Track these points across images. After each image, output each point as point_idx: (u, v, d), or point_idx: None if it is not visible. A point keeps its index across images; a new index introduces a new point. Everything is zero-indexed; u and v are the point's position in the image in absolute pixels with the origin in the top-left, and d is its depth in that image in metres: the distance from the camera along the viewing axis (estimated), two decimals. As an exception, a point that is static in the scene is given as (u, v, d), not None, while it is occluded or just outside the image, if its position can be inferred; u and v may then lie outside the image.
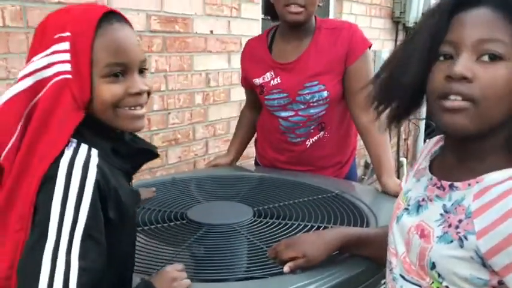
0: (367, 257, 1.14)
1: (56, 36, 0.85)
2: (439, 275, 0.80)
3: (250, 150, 3.33)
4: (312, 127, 1.85)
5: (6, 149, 0.82)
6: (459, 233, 0.76)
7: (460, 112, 0.76)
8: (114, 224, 0.85)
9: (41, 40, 0.87)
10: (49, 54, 0.84)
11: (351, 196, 1.61)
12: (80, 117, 0.84)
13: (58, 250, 0.74)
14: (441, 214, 0.82)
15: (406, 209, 0.92)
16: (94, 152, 0.85)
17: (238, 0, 2.99)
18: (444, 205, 0.82)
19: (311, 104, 1.80)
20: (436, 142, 0.98)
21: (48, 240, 0.75)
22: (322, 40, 1.79)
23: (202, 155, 2.87)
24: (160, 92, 2.53)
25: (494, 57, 0.75)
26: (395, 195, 1.05)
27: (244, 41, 3.08)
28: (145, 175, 2.47)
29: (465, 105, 0.75)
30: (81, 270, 0.75)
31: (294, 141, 1.89)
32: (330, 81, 1.78)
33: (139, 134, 2.44)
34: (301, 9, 1.69)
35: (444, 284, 0.79)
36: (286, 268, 1.09)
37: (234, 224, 1.39)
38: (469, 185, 0.79)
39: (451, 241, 0.77)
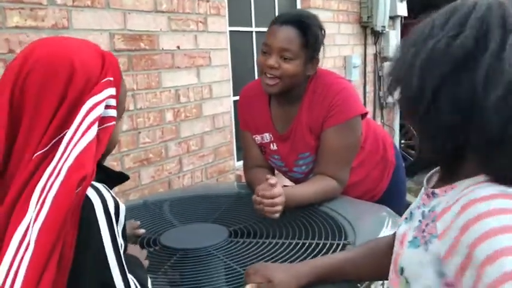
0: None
1: (105, 80, 0.87)
2: (407, 281, 0.78)
3: (227, 164, 3.29)
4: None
5: None
6: (425, 237, 0.76)
7: None
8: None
9: (84, 82, 0.85)
10: (105, 99, 0.86)
11: (329, 209, 1.57)
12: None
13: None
14: (419, 220, 0.81)
15: (406, 218, 0.90)
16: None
17: (204, 14, 2.96)
18: (423, 211, 0.82)
19: (307, 172, 1.75)
20: None
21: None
22: (309, 106, 1.67)
23: (177, 173, 2.81)
24: (128, 111, 2.47)
25: None
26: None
27: (213, 55, 3.07)
28: (118, 197, 2.40)
29: None
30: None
31: (296, 176, 1.83)
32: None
33: (111, 156, 2.35)
34: (276, 81, 1.59)
35: None
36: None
37: (209, 247, 1.34)
38: (445, 191, 0.78)
39: (418, 246, 0.77)
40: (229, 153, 3.26)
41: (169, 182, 2.75)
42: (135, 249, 1.15)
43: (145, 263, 1.13)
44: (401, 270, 0.80)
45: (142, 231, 1.41)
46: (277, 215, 1.43)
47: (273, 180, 1.44)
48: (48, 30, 2.09)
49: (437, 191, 0.81)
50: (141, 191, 2.54)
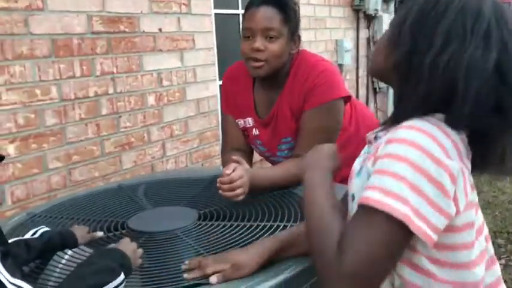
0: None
1: None
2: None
3: (213, 149, 3.26)
4: None
5: None
6: (367, 165, 0.87)
7: None
8: None
9: None
10: None
11: (301, 192, 1.54)
12: None
13: None
14: (363, 158, 0.93)
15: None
16: None
17: (187, -5, 2.90)
18: (367, 152, 0.94)
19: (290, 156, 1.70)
20: None
21: None
22: (290, 88, 1.64)
23: (160, 158, 2.78)
24: (108, 95, 2.43)
25: None
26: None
27: (197, 38, 3.02)
28: (98, 182, 2.38)
29: None
30: None
31: (279, 161, 1.77)
32: None
33: (90, 141, 2.28)
34: (261, 63, 1.56)
35: None
36: (213, 279, 1.03)
37: (176, 230, 1.31)
38: (388, 130, 0.86)
39: (363, 174, 0.87)
40: (215, 138, 3.22)
41: (152, 167, 2.72)
42: (127, 246, 1.07)
43: (138, 262, 1.08)
44: (353, 197, 0.90)
45: (99, 233, 1.33)
46: (239, 197, 1.40)
47: (229, 169, 1.41)
48: (21, 11, 2.04)
49: (380, 134, 0.91)
50: (123, 175, 2.52)
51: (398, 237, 0.75)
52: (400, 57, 0.85)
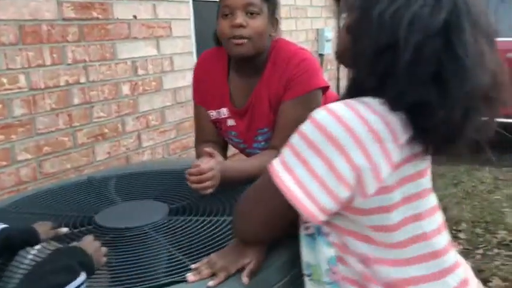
0: None
1: None
2: None
3: (191, 139, 3.19)
4: None
5: None
6: None
7: None
8: None
9: None
10: None
11: (277, 184, 1.50)
12: None
13: None
14: None
15: None
16: None
17: (164, -19, 2.82)
18: None
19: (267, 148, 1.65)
20: None
21: None
22: (268, 78, 1.59)
23: (135, 149, 2.71)
24: (80, 84, 2.35)
25: None
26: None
27: (174, 25, 2.94)
28: (70, 174, 2.30)
29: None
30: None
31: (255, 153, 1.72)
32: None
33: (62, 132, 2.20)
34: (244, 40, 1.48)
35: None
36: (245, 279, 0.99)
37: (145, 226, 1.26)
38: None
39: None
40: (193, 129, 3.15)
41: (127, 158, 2.65)
42: (88, 244, 1.02)
43: (102, 260, 1.03)
44: None
45: (64, 229, 1.25)
46: (208, 190, 1.35)
47: (200, 161, 1.36)
48: (-15, -4, 1.95)
49: None
50: (96, 167, 2.44)
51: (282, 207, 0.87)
52: (352, 19, 0.89)
